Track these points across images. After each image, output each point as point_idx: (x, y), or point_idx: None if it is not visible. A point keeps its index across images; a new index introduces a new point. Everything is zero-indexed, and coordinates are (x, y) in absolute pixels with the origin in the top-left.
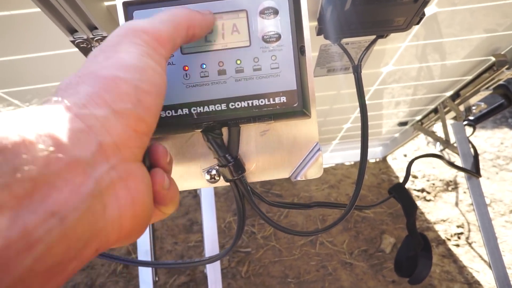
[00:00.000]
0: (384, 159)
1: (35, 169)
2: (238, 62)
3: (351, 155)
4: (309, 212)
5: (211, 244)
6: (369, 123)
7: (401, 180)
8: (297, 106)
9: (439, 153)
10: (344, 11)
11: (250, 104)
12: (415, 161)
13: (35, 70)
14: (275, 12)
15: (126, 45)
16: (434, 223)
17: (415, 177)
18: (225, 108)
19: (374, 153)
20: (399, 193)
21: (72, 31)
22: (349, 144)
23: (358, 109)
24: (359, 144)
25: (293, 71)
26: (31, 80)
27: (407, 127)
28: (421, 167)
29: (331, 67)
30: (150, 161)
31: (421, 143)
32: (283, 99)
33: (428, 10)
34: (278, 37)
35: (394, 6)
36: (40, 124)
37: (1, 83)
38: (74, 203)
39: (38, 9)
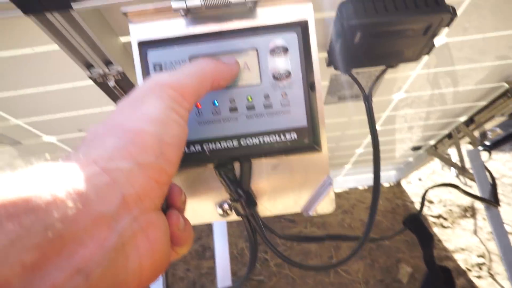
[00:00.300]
0: (398, 183)
1: (65, 227)
2: (249, 99)
3: (365, 179)
4: None
5: (223, 272)
6: (382, 147)
7: (416, 206)
8: (308, 142)
9: (454, 183)
10: (353, 44)
11: (262, 141)
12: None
13: (54, 101)
14: (285, 50)
15: (152, 99)
16: (453, 252)
17: (431, 202)
18: (237, 144)
19: (388, 177)
20: (414, 225)
21: (89, 66)
22: (362, 168)
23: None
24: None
25: (303, 107)
26: (50, 110)
27: (421, 151)
28: (437, 192)
29: (342, 95)
30: (166, 202)
31: (436, 167)
32: (294, 135)
33: (439, 40)
34: (288, 74)
35: (403, 39)
36: (69, 181)
37: (22, 114)
38: (99, 258)
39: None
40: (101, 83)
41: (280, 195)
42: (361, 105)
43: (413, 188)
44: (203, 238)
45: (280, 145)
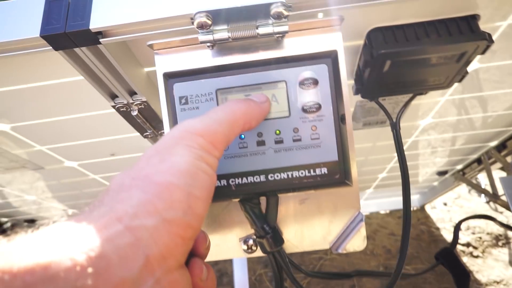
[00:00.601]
0: (422, 208)
1: None
2: (278, 132)
3: (387, 203)
4: (343, 264)
5: None
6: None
7: (442, 233)
8: (339, 177)
9: (490, 215)
10: (382, 72)
11: (290, 176)
12: (458, 212)
13: (76, 129)
14: (315, 82)
15: (181, 149)
16: (486, 285)
17: None
18: (264, 179)
19: (411, 201)
20: (448, 260)
21: (113, 96)
22: (384, 192)
23: (394, 159)
24: (395, 192)
25: (334, 141)
26: (73, 137)
27: (447, 176)
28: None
29: (367, 121)
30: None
31: (462, 191)
32: (324, 170)
33: (470, 66)
34: (319, 107)
35: (435, 67)
36: (91, 243)
37: (46, 141)
38: None
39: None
40: (124, 112)
41: (308, 230)
42: (385, 130)
43: (438, 213)
44: (220, 263)
45: (309, 180)
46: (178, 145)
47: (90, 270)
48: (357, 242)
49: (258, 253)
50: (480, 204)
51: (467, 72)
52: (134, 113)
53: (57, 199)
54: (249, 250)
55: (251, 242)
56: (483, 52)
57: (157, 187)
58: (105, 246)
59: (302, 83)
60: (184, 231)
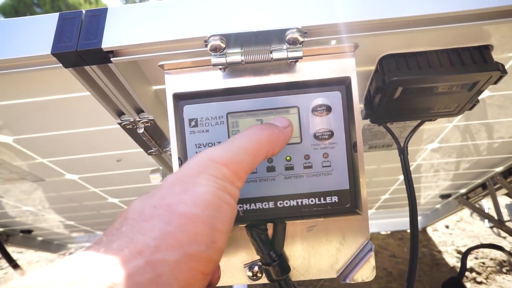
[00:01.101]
0: (423, 230)
1: None
2: (288, 158)
3: (387, 224)
4: (344, 286)
5: None
6: None
7: (444, 256)
8: (350, 206)
9: (500, 245)
10: (393, 99)
11: (300, 203)
12: (460, 236)
13: (80, 142)
14: (328, 109)
15: (205, 178)
16: None
17: (459, 252)
18: (273, 206)
19: None
20: None
21: (119, 113)
22: (385, 213)
23: (398, 181)
24: (396, 213)
25: (346, 169)
26: (76, 151)
27: (450, 199)
28: (467, 241)
29: (373, 144)
30: None
31: (464, 214)
32: (335, 199)
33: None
34: (331, 134)
35: (446, 95)
36: (110, 279)
37: (48, 153)
38: None
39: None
40: (130, 130)
41: (315, 258)
42: (390, 153)
43: (439, 236)
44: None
45: (319, 208)
46: (201, 174)
47: None
48: (365, 273)
49: (263, 280)
50: (482, 228)
51: (478, 101)
52: (140, 130)
53: (55, 210)
54: (254, 277)
55: (256, 268)
56: (495, 82)
57: (180, 218)
58: (124, 284)
59: (315, 110)
60: (205, 266)
